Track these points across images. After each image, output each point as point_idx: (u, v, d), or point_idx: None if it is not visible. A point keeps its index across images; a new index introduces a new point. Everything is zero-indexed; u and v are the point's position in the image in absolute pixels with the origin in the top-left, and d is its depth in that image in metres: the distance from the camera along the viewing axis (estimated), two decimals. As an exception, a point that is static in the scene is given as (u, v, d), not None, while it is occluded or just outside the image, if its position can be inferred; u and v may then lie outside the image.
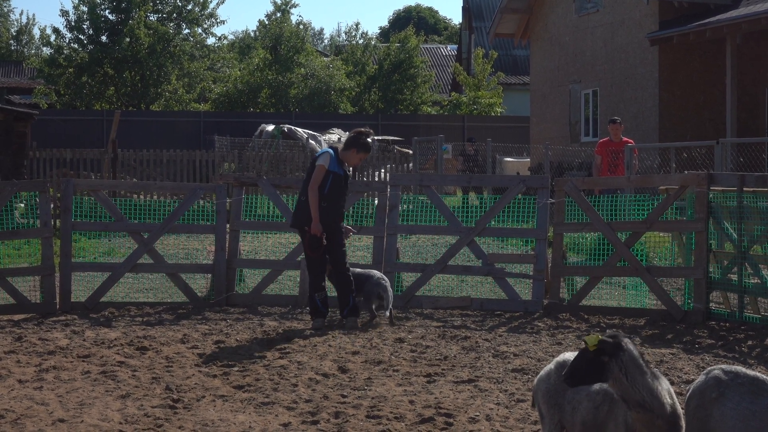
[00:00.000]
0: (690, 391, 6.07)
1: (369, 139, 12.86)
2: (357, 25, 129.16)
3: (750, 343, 11.82)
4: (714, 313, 13.22)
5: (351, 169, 13.18)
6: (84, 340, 11.87)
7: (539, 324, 12.95)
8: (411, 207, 17.15)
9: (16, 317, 13.47)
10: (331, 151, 12.81)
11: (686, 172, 18.68)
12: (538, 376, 6.52)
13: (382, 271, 13.75)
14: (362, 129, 13.01)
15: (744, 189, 12.89)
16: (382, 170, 32.08)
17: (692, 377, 10.00)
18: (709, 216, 13.17)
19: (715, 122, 30.13)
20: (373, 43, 64.02)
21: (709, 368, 6.14)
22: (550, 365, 6.43)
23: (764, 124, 30.72)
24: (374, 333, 12.12)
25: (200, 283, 15.21)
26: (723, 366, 6.06)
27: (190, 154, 33.18)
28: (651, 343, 11.77)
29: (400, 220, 15.06)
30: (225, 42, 62.89)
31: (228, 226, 14.57)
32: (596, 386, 6.05)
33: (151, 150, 33.70)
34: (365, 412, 8.79)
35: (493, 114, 53.66)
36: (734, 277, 13.01)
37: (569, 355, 6.35)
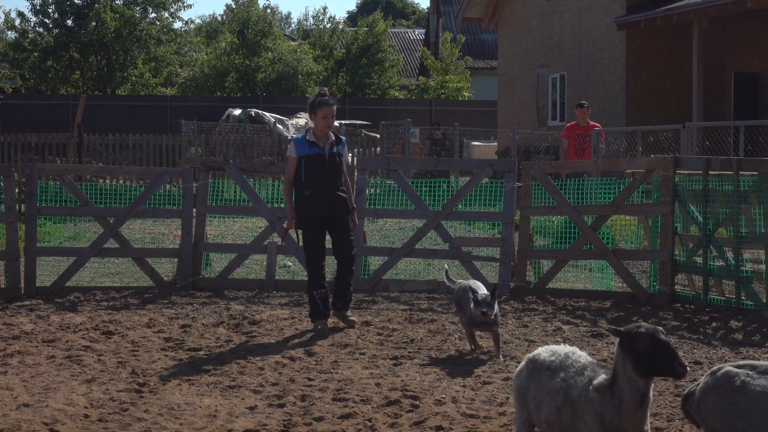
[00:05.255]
0: (699, 393, 5.90)
1: (323, 96, 11.71)
2: (324, 9, 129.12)
3: (714, 324, 11.89)
4: (679, 296, 13.30)
5: (337, 142, 11.73)
6: (49, 325, 11.81)
7: (506, 307, 12.97)
8: (378, 191, 17.15)
9: (-19, 302, 13.38)
10: (296, 137, 12.32)
11: (652, 155, 18.73)
12: (515, 372, 6.49)
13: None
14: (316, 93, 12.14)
15: (709, 172, 12.95)
16: (350, 154, 32.06)
17: (657, 359, 10.04)
18: (674, 199, 13.22)
19: (682, 106, 30.24)
20: (340, 27, 63.93)
21: (712, 369, 5.97)
22: (522, 362, 6.37)
23: (730, 108, 30.88)
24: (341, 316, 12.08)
25: (166, 268, 15.16)
26: (726, 364, 5.91)
27: (157, 139, 33.11)
28: (617, 326, 11.79)
29: (367, 204, 15.05)
30: (192, 26, 62.75)
31: (194, 210, 14.52)
32: (555, 386, 5.99)
33: (117, 134, 33.61)
34: (332, 395, 8.79)
35: (460, 98, 53.71)
36: (699, 259, 13.08)
37: (542, 350, 6.28)
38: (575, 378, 5.91)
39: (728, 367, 5.84)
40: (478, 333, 10.50)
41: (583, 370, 5.96)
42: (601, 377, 5.86)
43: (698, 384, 5.99)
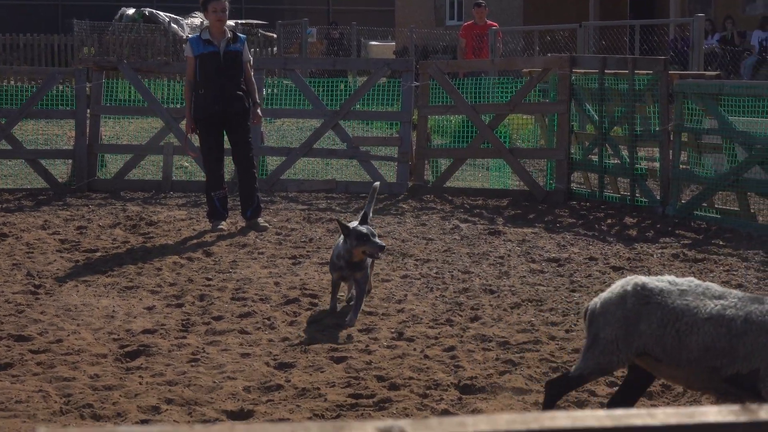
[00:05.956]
0: None
1: None
2: None
3: (609, 221, 12.07)
4: (575, 193, 13.46)
5: (234, 40, 11.41)
6: (-60, 228, 11.59)
7: (404, 206, 13.02)
8: (275, 91, 17.01)
9: None
10: (191, 36, 11.95)
11: (549, 55, 18.82)
12: (603, 299, 5.76)
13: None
14: None
15: (605, 71, 13.04)
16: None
17: (553, 255, 10.20)
18: (571, 98, 13.32)
19: (578, 6, 30.35)
20: (235, -76, 62.84)
21: None
22: (626, 288, 5.69)
23: (626, 7, 31.07)
24: (239, 217, 12.02)
25: (61, 169, 14.92)
26: None
27: (48, 39, 32.38)
28: (513, 223, 11.94)
29: (265, 104, 14.92)
30: None
31: (88, 111, 14.27)
32: (719, 312, 5.51)
33: (7, 34, 32.79)
34: (230, 294, 8.77)
35: (358, -2, 53.27)
36: (595, 157, 13.23)
37: (647, 279, 5.77)
38: (752, 306, 5.47)
39: None
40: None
41: (762, 300, 5.52)
42: None
43: None
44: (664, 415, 1.26)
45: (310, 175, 15.00)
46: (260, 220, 11.71)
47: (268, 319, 8.06)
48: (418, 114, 14.39)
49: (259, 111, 11.73)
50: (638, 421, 1.24)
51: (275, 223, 11.84)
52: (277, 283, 9.12)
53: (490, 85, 15.37)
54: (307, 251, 10.44)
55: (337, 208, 12.93)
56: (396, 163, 14.24)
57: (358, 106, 15.03)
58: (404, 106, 14.31)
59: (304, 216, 12.32)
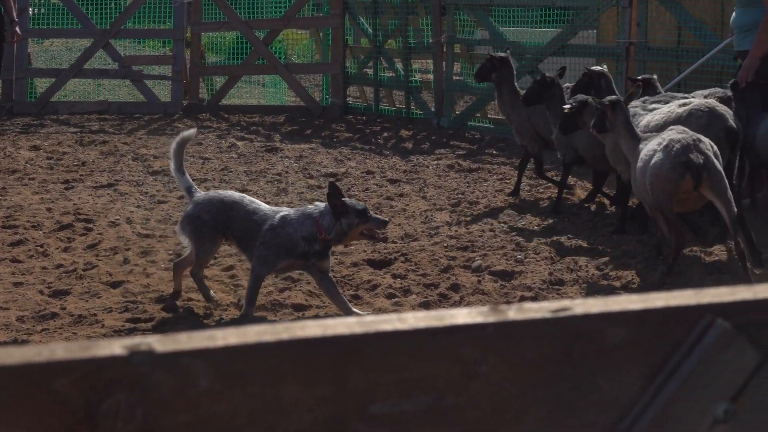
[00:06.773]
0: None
1: None
2: None
3: (386, 134, 12.17)
4: (351, 108, 13.52)
5: None
6: None
7: (179, 125, 12.81)
8: (42, 10, 16.46)
9: None
10: None
11: (322, -31, 18.72)
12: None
13: (13, 78, 13.19)
14: None
15: (377, -16, 13.07)
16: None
17: (331, 170, 10.22)
18: (345, 12, 13.30)
19: None
20: None
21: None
22: None
23: None
24: (8, 141, 11.64)
25: None
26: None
27: None
28: (290, 140, 11.90)
29: (31, 24, 14.42)
30: None
31: None
32: None
33: None
34: (1, 222, 8.48)
35: None
36: (370, 71, 13.29)
37: None
38: None
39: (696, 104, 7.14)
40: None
41: None
42: None
43: None
44: (414, 319, 1.25)
45: (81, 97, 14.60)
46: None
47: (41, 246, 7.83)
48: (191, 31, 14.14)
49: (17, 29, 11.33)
50: (388, 327, 1.23)
51: (46, 147, 11.49)
52: (49, 209, 8.86)
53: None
54: (81, 175, 10.18)
55: (110, 129, 12.64)
56: (170, 82, 14.00)
57: (130, 24, 14.69)
58: (177, 24, 14.04)
59: (76, 139, 12.00)
